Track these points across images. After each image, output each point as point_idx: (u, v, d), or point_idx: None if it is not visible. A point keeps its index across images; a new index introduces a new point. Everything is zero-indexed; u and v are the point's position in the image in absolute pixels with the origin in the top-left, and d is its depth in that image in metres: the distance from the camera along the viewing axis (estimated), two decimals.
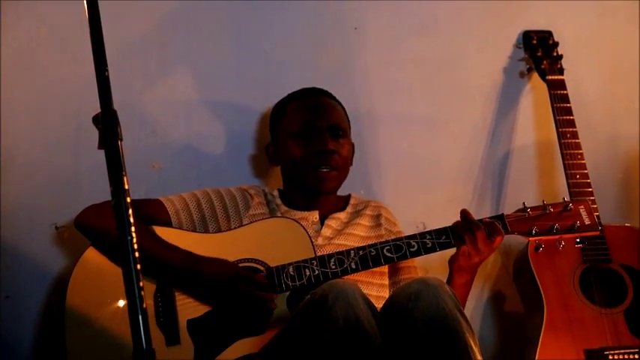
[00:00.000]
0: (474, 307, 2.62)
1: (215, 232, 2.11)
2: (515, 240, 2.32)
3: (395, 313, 1.75)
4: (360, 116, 2.53)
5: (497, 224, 1.96)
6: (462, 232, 1.95)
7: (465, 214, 2.00)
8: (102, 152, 1.29)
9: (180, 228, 2.09)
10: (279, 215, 2.17)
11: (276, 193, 2.27)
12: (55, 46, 2.42)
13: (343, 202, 2.29)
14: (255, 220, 2.10)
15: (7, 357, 2.30)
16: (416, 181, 2.67)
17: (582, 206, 2.03)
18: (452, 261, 1.99)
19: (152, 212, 2.09)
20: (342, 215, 2.23)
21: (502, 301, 2.67)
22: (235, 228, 2.10)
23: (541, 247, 2.03)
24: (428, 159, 2.69)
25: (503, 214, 2.02)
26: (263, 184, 2.52)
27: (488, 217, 2.01)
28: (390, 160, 2.66)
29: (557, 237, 2.00)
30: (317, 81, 2.39)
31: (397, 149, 2.67)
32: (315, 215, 2.19)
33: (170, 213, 2.10)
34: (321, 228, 2.18)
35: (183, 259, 1.95)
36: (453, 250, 2.00)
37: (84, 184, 2.37)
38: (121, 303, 1.94)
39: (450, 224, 2.00)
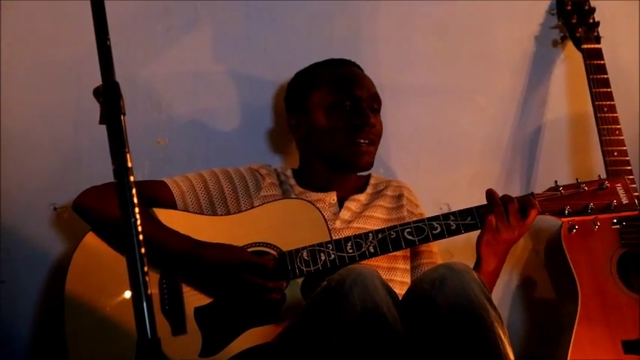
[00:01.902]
0: (503, 293, 2.62)
1: (224, 215, 2.11)
2: (547, 222, 2.31)
3: (417, 300, 1.75)
4: (379, 88, 2.50)
5: (530, 198, 1.95)
6: (492, 205, 1.95)
7: (490, 194, 1.99)
8: (103, 128, 1.29)
9: (187, 211, 2.09)
10: (293, 196, 2.16)
11: (289, 172, 2.26)
12: (54, 15, 2.41)
13: (363, 183, 2.29)
14: (267, 202, 2.09)
15: (3, 344, 2.32)
16: (438, 159, 2.67)
17: (619, 184, 2.02)
18: (479, 242, 1.98)
19: (156, 194, 2.09)
20: (362, 197, 2.23)
21: (532, 287, 2.66)
22: (245, 210, 2.10)
23: (575, 228, 2.02)
24: (452, 134, 2.68)
25: (533, 192, 2.01)
26: (277, 161, 2.51)
27: (518, 197, 2.00)
28: (411, 135, 2.65)
29: (592, 217, 1.99)
30: (331, 50, 2.38)
31: (418, 124, 2.66)
32: (332, 197, 2.18)
33: (175, 195, 2.10)
34: (340, 210, 2.17)
35: (184, 244, 1.95)
36: (478, 233, 1.99)
37: (84, 161, 2.37)
38: (124, 289, 1.95)
39: (476, 205, 1.99)
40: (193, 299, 1.95)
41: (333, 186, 2.20)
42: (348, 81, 2.20)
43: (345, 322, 1.65)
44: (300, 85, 2.29)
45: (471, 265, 1.92)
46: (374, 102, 2.20)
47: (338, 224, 2.13)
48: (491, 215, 1.95)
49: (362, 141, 2.13)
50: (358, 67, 2.30)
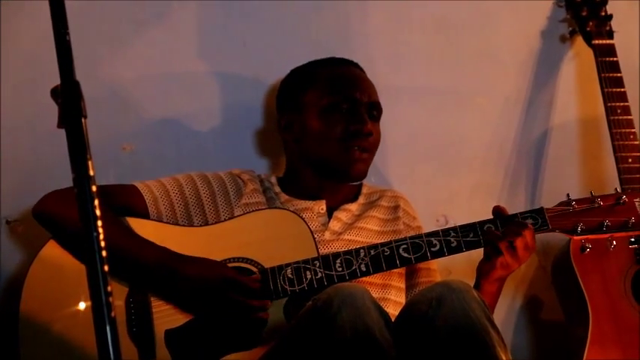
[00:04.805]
0: (506, 314, 2.62)
1: (201, 226, 2.10)
2: (555, 235, 2.31)
3: (413, 322, 1.75)
4: None
5: (525, 229, 1.93)
6: (497, 241, 1.93)
7: (498, 211, 1.99)
8: (62, 132, 1.28)
9: (160, 220, 2.08)
10: (278, 206, 2.16)
11: (274, 180, 2.27)
12: (5, 6, 2.39)
13: (355, 192, 2.29)
14: (248, 212, 2.09)
15: None
16: (436, 166, 2.68)
17: (638, 199, 2.01)
18: (483, 270, 1.98)
19: (125, 200, 2.08)
20: (354, 206, 2.24)
21: (539, 308, 2.67)
22: (225, 220, 2.10)
23: (588, 248, 2.01)
24: (450, 139, 2.69)
25: (542, 207, 2.00)
26: (259, 168, 2.50)
27: (526, 212, 2.00)
28: (406, 140, 2.66)
29: (607, 235, 1.99)
30: (318, 46, 2.40)
31: (414, 128, 2.67)
32: (321, 205, 2.19)
33: (147, 201, 2.09)
34: (329, 221, 2.18)
35: (158, 257, 1.94)
36: (480, 250, 1.99)
37: (40, 170, 2.36)
38: (87, 308, 1.93)
39: (477, 217, 1.99)
40: (164, 320, 1.94)
41: (322, 194, 2.21)
42: (348, 82, 2.21)
43: (332, 347, 1.65)
44: (295, 82, 2.30)
45: (471, 284, 1.92)
46: (374, 109, 2.21)
47: (327, 235, 2.14)
48: (501, 257, 1.93)
49: (356, 148, 2.14)
50: (361, 69, 2.31)
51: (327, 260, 1.96)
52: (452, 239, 1.98)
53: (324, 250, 2.04)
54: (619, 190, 2.05)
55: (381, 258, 1.97)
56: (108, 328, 1.20)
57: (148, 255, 1.94)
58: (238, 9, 2.56)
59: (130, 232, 1.99)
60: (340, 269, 1.95)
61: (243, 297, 1.89)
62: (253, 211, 2.09)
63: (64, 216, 1.97)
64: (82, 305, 1.94)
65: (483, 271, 1.97)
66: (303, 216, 2.07)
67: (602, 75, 2.53)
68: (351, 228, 2.17)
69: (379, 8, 2.65)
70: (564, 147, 2.73)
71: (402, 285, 2.19)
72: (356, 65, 2.31)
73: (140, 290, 1.97)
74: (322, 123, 2.17)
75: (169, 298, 1.96)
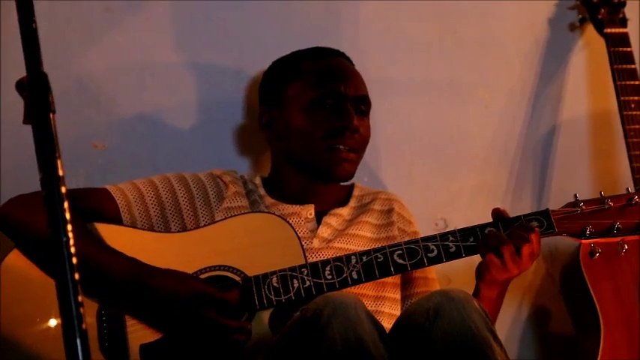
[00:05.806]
0: (511, 326, 2.63)
1: (178, 232, 2.10)
2: (564, 240, 2.32)
3: (409, 334, 1.76)
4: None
5: (532, 236, 1.94)
6: (501, 245, 1.93)
7: (498, 214, 2.00)
8: (28, 128, 1.28)
9: (134, 226, 2.08)
10: (263, 210, 2.16)
11: (258, 181, 2.26)
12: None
13: (345, 194, 2.29)
14: (231, 216, 2.09)
15: None
16: (434, 165, 2.68)
17: None
18: (481, 272, 1.98)
19: (95, 205, 2.07)
20: (345, 211, 2.24)
21: (546, 318, 2.68)
22: (205, 226, 2.10)
23: (597, 252, 2.01)
24: (450, 136, 2.69)
25: (548, 209, 2.01)
26: (242, 168, 2.50)
27: (530, 214, 2.00)
28: (402, 137, 2.67)
29: (618, 239, 1.99)
30: (305, 36, 2.39)
31: (411, 124, 2.67)
32: (309, 210, 2.19)
33: (120, 206, 2.09)
34: (318, 227, 2.18)
35: (127, 272, 1.92)
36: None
37: (3, 170, 2.36)
38: (54, 322, 1.93)
39: (478, 221, 2.00)
40: (139, 334, 1.93)
41: (310, 197, 2.21)
42: (332, 75, 2.21)
43: None
44: (277, 74, 2.30)
45: (471, 292, 1.93)
46: (361, 103, 2.21)
47: (316, 243, 2.14)
48: (498, 259, 1.92)
49: (341, 147, 2.15)
50: (349, 60, 2.31)
51: (315, 268, 1.96)
52: (450, 244, 1.97)
53: (312, 260, 2.03)
54: (631, 190, 2.05)
55: (373, 265, 1.96)
56: (78, 342, 1.19)
57: (116, 270, 1.92)
58: None
59: (98, 244, 1.97)
60: (330, 277, 1.96)
61: (217, 315, 1.88)
62: (235, 215, 2.10)
63: (28, 223, 1.96)
64: (49, 317, 1.93)
65: (482, 274, 1.98)
66: (290, 222, 2.06)
67: (615, 66, 2.54)
68: (342, 235, 2.17)
69: None
70: (573, 144, 2.74)
71: (397, 296, 2.18)
72: (342, 55, 2.30)
73: (111, 303, 1.96)
74: (305, 120, 2.18)
75: (140, 314, 1.95)
